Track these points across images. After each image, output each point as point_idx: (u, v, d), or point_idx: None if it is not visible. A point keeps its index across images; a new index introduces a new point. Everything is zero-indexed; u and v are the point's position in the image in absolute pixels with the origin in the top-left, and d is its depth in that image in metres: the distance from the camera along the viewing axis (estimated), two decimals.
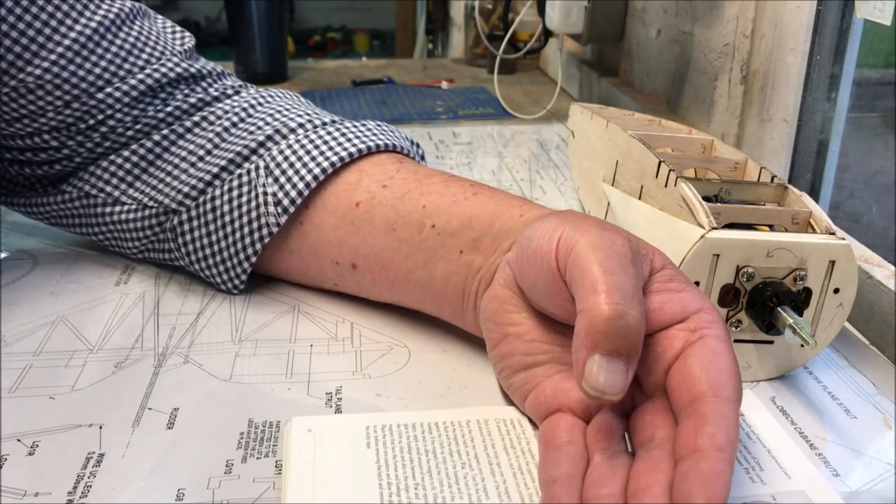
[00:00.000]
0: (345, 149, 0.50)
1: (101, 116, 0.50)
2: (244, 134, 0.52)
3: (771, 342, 0.44)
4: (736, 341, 0.43)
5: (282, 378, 0.44)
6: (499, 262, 0.42)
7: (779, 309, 0.41)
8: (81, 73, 0.49)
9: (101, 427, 0.40)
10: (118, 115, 0.51)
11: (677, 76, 0.84)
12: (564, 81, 1.12)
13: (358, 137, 0.51)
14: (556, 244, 0.36)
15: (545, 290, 0.37)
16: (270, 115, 0.53)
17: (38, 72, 0.48)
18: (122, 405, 0.42)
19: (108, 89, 0.50)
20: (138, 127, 0.52)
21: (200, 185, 0.51)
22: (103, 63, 0.50)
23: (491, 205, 0.45)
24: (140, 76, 0.51)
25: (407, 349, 0.47)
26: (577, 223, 0.37)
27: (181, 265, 0.54)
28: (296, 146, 0.50)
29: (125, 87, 0.51)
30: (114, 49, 0.51)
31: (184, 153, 0.52)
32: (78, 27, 0.49)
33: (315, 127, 0.52)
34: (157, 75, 0.52)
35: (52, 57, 0.48)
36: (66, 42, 0.49)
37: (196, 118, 0.53)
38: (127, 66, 0.51)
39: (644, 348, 0.34)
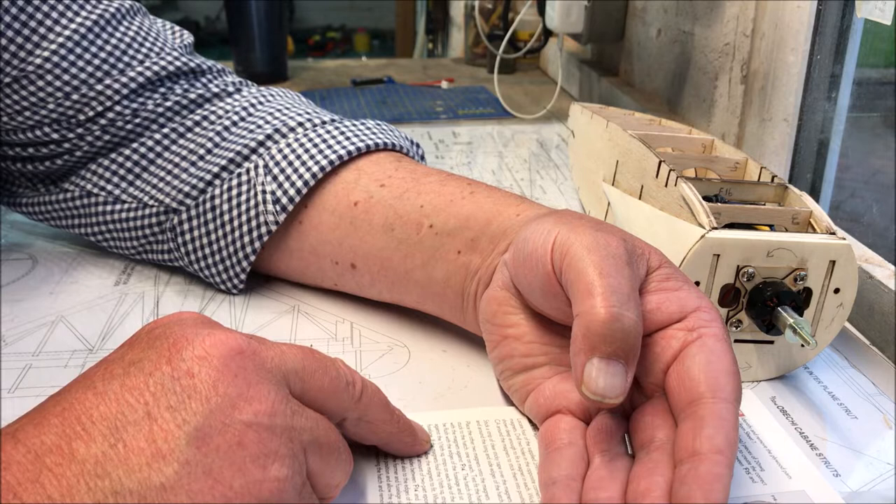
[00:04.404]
0: (343, 147, 0.50)
1: (100, 108, 0.51)
2: (244, 133, 0.52)
3: (771, 342, 0.44)
4: (736, 341, 0.43)
5: None
6: (496, 263, 0.42)
7: (779, 309, 0.41)
8: (81, 63, 0.50)
9: None
10: (118, 108, 0.51)
11: (677, 76, 0.84)
12: (564, 81, 1.12)
13: (357, 136, 0.51)
14: (552, 247, 0.36)
15: (541, 292, 0.37)
16: (270, 113, 0.53)
17: (38, 61, 0.49)
18: None
19: (108, 80, 0.51)
20: (138, 121, 0.52)
21: (201, 185, 0.51)
22: (102, 55, 0.50)
23: (488, 204, 0.44)
24: (139, 69, 0.52)
25: (407, 349, 0.47)
26: (572, 224, 0.37)
27: (180, 265, 0.54)
28: (295, 145, 0.50)
29: (124, 79, 0.51)
30: (113, 41, 0.51)
31: (184, 152, 0.52)
32: (78, 20, 0.50)
33: (314, 126, 0.52)
34: (156, 68, 0.52)
35: (53, 47, 0.49)
36: (67, 33, 0.49)
37: (197, 117, 0.53)
38: (126, 58, 0.51)
39: (642, 349, 0.34)
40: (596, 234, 0.36)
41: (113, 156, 0.53)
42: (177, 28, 0.58)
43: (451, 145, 0.88)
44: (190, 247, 0.52)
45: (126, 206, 0.53)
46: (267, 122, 0.52)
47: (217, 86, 0.55)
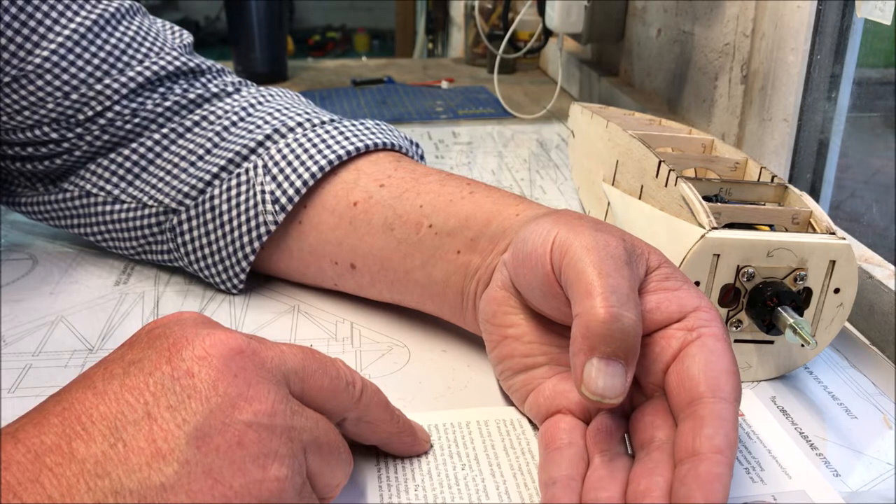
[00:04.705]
0: (342, 147, 0.50)
1: (99, 108, 0.51)
2: (244, 133, 0.52)
3: (771, 342, 0.44)
4: (736, 341, 0.43)
5: None
6: (496, 263, 0.42)
7: (779, 309, 0.41)
8: (80, 62, 0.50)
9: None
10: (117, 108, 0.51)
11: (677, 76, 0.84)
12: (564, 81, 1.12)
13: (356, 136, 0.51)
14: (551, 247, 0.36)
15: (541, 292, 0.37)
16: (270, 113, 0.53)
17: (38, 60, 0.49)
18: None
19: (107, 80, 0.51)
20: (137, 121, 0.52)
21: (200, 185, 0.51)
22: (102, 54, 0.50)
23: (488, 204, 0.44)
24: (139, 68, 0.52)
25: (407, 349, 0.47)
26: (572, 224, 0.37)
27: (180, 266, 0.54)
28: (294, 145, 0.50)
29: (123, 79, 0.51)
30: (112, 41, 0.51)
31: (184, 152, 0.52)
32: (78, 19, 0.50)
33: (314, 126, 0.52)
34: (155, 68, 0.52)
35: (52, 46, 0.49)
36: (66, 32, 0.49)
37: (196, 117, 0.53)
38: (125, 58, 0.51)
39: (642, 349, 0.34)
40: (595, 234, 0.35)
41: (112, 156, 0.53)
42: (176, 28, 0.58)
43: (451, 145, 0.88)
44: (189, 247, 0.52)
45: (125, 206, 0.53)
46: (266, 123, 0.52)
47: (216, 86, 0.55)
